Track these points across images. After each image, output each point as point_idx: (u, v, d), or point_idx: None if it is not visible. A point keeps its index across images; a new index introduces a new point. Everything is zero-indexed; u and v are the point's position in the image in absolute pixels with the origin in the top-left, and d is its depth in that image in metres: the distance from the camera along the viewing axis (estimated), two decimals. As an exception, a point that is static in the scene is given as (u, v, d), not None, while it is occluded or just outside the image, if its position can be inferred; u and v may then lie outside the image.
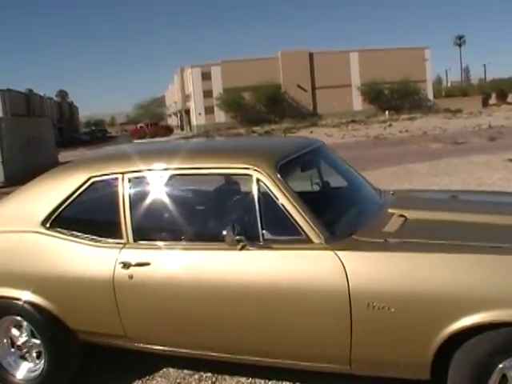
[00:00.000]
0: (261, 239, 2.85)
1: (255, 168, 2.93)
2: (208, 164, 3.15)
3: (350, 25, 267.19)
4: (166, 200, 3.21)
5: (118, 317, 3.13)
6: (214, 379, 3.61)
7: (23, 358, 3.53)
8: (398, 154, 16.55)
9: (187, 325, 3.04)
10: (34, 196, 3.48)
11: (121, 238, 3.17)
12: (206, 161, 3.21)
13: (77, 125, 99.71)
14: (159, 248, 3.10)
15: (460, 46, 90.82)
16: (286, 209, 2.82)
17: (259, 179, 2.91)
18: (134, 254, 3.08)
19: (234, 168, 3.06)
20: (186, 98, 65.81)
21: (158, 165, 3.23)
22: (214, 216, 3.54)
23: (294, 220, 2.80)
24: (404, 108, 55.93)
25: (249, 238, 2.83)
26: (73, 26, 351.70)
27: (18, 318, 3.40)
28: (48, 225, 3.30)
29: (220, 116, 58.82)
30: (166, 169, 3.20)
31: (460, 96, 68.52)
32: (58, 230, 3.28)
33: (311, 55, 60.30)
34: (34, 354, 3.49)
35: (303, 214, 2.79)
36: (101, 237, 3.20)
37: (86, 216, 3.56)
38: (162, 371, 3.76)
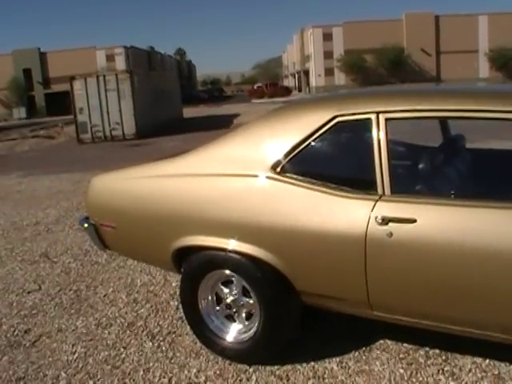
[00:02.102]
0: None
1: None
2: (497, 107, 2.48)
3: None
4: (435, 147, 2.65)
5: (363, 280, 2.68)
6: (443, 357, 3.13)
7: (230, 317, 3.21)
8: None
9: (449, 295, 2.54)
10: (262, 137, 3.03)
11: (374, 189, 2.67)
12: (493, 103, 2.56)
13: (195, 83, 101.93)
14: (427, 203, 2.57)
15: None
16: None
17: None
18: (394, 209, 2.58)
19: None
20: (305, 58, 65.02)
21: (428, 105, 2.64)
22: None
23: None
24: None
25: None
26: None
27: (230, 273, 3.05)
28: (279, 169, 2.86)
29: (340, 78, 57.66)
30: (437, 110, 2.63)
31: None
32: (292, 175, 2.83)
33: (437, 18, 58.10)
34: (244, 315, 3.16)
35: None
36: (345, 186, 2.73)
37: (327, 162, 3.10)
38: (378, 343, 3.33)
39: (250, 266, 2.93)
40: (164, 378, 3.09)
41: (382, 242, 2.57)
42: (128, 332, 3.66)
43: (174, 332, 3.62)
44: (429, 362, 3.11)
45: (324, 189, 2.74)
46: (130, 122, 20.33)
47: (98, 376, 3.14)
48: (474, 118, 2.51)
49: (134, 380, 3.08)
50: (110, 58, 60.13)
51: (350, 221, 2.65)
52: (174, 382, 3.05)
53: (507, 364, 3.04)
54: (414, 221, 2.51)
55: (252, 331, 3.08)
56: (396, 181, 2.64)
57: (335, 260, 2.72)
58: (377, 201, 2.62)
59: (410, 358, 3.17)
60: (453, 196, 2.69)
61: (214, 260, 3.04)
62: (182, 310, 3.83)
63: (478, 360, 3.10)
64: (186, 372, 3.13)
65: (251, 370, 3.12)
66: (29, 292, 4.56)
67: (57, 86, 56.17)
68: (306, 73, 65.00)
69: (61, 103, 49.15)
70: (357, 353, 3.25)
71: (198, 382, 3.04)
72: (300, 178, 2.82)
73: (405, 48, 56.44)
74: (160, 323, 3.77)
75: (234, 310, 3.15)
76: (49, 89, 60.49)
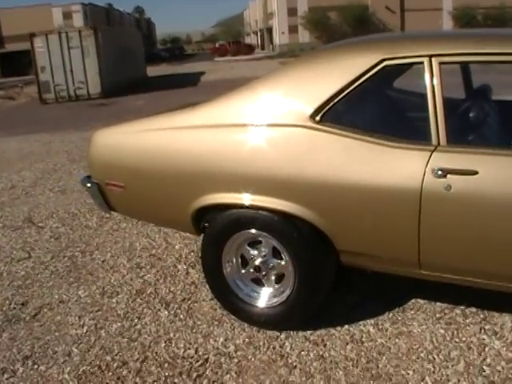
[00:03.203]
0: None
1: None
2: None
3: None
4: (492, 95, 2.40)
5: (415, 237, 2.44)
6: (481, 316, 2.97)
7: (258, 281, 2.96)
8: None
9: (497, 251, 2.34)
10: (297, 82, 2.70)
11: (428, 139, 2.41)
12: None
13: (154, 42, 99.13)
14: (487, 154, 2.33)
15: None
16: None
17: None
18: (452, 160, 2.33)
19: None
20: (268, 16, 63.73)
21: (487, 48, 2.36)
22: None
23: None
24: (501, 34, 51.90)
25: None
26: None
27: (259, 232, 2.77)
28: (319, 118, 2.57)
29: (304, 36, 56.75)
30: (498, 54, 2.36)
31: None
32: (334, 124, 2.54)
33: (402, -25, 56.71)
34: (273, 278, 2.91)
35: None
36: (396, 136, 2.46)
37: (374, 109, 2.82)
38: (410, 303, 3.15)
39: (284, 224, 2.66)
40: (189, 349, 2.84)
41: (439, 196, 2.34)
42: (138, 300, 3.38)
43: (189, 298, 3.36)
44: (468, 321, 2.95)
45: (371, 139, 2.47)
46: (94, 80, 19.50)
47: (115, 350, 2.86)
48: None
49: (156, 353, 2.81)
50: (67, 15, 57.54)
51: (402, 173, 2.40)
52: (200, 352, 2.80)
53: (548, 321, 2.90)
54: (476, 173, 2.28)
55: (284, 295, 2.84)
56: (451, 130, 2.39)
57: (384, 216, 2.47)
58: (432, 151, 2.37)
59: (447, 317, 3.00)
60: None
61: (241, 219, 2.76)
62: (192, 275, 3.60)
63: (515, 318, 2.95)
64: (212, 342, 2.88)
65: (283, 336, 2.89)
66: (18, 260, 4.20)
67: (11, 45, 53.60)
68: (270, 30, 63.85)
69: (17, 63, 47.05)
70: (391, 314, 3.06)
71: (227, 351, 2.80)
72: (342, 127, 2.54)
73: (369, 5, 55.85)
74: (172, 289, 3.49)
75: (264, 273, 2.90)
76: (3, 48, 57.75)
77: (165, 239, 4.39)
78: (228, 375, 2.61)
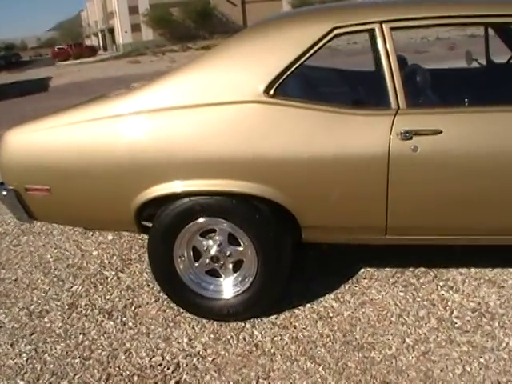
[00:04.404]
0: None
1: None
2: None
3: None
4: (444, 59, 2.49)
5: (383, 202, 2.42)
6: (432, 274, 3.07)
7: (213, 272, 2.78)
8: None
9: (475, 204, 2.43)
10: (246, 57, 2.53)
11: (387, 104, 2.41)
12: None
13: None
14: (447, 113, 2.38)
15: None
16: None
17: None
18: (416, 122, 2.35)
19: None
20: (109, 15, 61.67)
21: (435, 12, 2.43)
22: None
23: None
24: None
25: None
26: None
27: (212, 220, 2.59)
28: (273, 92, 2.43)
29: (148, 34, 55.86)
30: (447, 17, 2.42)
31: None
32: (289, 97, 2.44)
33: (239, -33, 57.94)
34: (230, 266, 2.74)
35: None
36: (355, 103, 2.44)
37: (327, 78, 2.74)
38: (360, 272, 3.17)
39: (244, 207, 2.51)
40: (154, 356, 2.58)
41: (406, 158, 2.35)
42: (74, 315, 3.01)
43: (132, 304, 3.06)
44: (421, 281, 3.04)
45: (331, 108, 2.41)
46: None
47: (70, 374, 2.51)
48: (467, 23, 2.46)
49: (119, 367, 2.51)
50: None
51: (368, 140, 2.36)
52: (168, 358, 2.55)
53: (490, 269, 3.08)
54: (440, 132, 2.32)
55: (247, 282, 2.69)
56: (409, 94, 2.41)
57: (352, 185, 2.43)
58: (395, 115, 2.37)
59: (401, 280, 3.06)
60: (467, 104, 2.55)
61: (195, 207, 2.55)
62: (124, 279, 3.33)
63: (463, 270, 3.10)
64: (175, 344, 2.65)
65: (248, 325, 2.75)
66: None
67: None
68: (111, 30, 61.88)
69: None
70: (347, 286, 3.05)
71: (196, 351, 2.58)
72: (299, 99, 2.45)
73: (210, -1, 56.46)
74: (108, 298, 3.17)
75: (222, 263, 2.72)
76: None
77: (78, 247, 3.99)
78: (208, 376, 2.41)
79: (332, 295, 2.96)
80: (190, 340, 2.66)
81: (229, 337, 2.67)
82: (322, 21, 2.50)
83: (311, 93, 2.55)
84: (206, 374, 2.41)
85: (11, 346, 2.78)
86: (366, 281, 3.08)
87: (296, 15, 2.85)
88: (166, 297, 3.00)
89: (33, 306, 3.16)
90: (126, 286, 3.27)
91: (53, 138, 2.68)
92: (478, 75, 3.56)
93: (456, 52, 17.65)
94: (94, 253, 3.85)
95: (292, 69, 2.45)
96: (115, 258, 3.71)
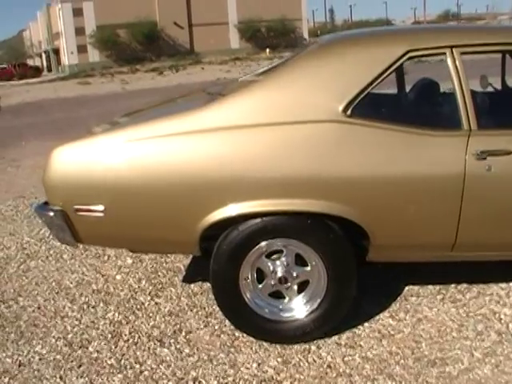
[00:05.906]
0: None
1: None
2: None
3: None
4: None
5: (455, 220, 2.48)
6: (476, 290, 3.12)
7: (277, 294, 2.72)
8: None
9: None
10: (322, 77, 2.54)
11: (459, 125, 2.49)
12: None
13: None
14: None
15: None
16: None
17: None
18: (489, 143, 2.45)
19: None
20: (54, 36, 60.56)
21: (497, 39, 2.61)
22: None
23: None
24: (281, 46, 56.21)
25: None
26: None
27: (284, 240, 2.56)
28: (350, 112, 2.46)
29: (94, 55, 55.22)
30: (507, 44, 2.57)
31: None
32: (366, 117, 2.47)
33: (187, -10, 58.32)
34: (295, 287, 2.70)
35: None
36: (429, 125, 2.50)
37: (402, 99, 2.79)
38: (405, 290, 3.19)
39: (319, 226, 2.50)
40: (228, 383, 2.49)
41: (481, 177, 2.43)
42: (122, 343, 2.88)
43: (180, 330, 2.96)
44: (468, 297, 3.08)
45: (409, 129, 2.46)
46: None
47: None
48: None
49: (192, 396, 2.42)
50: None
51: (444, 160, 2.44)
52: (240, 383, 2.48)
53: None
54: (510, 152, 2.42)
55: (315, 302, 2.66)
56: (480, 116, 2.50)
57: (428, 203, 2.48)
58: (469, 136, 2.45)
59: (448, 296, 3.10)
60: None
61: (267, 227, 2.51)
62: (163, 304, 3.22)
63: (503, 285, 3.17)
64: (244, 370, 2.57)
65: (314, 347, 2.70)
66: None
67: None
68: (57, 51, 60.85)
69: None
70: (397, 304, 3.07)
71: (270, 376, 2.52)
72: (375, 119, 2.48)
73: (158, 21, 56.36)
74: (152, 324, 3.04)
75: (287, 285, 2.67)
76: None
77: (97, 271, 3.84)
78: (291, 400, 2.35)
79: (386, 313, 2.96)
80: (258, 365, 2.59)
81: (297, 359, 2.61)
82: (397, 43, 2.56)
83: (385, 113, 2.60)
84: (286, 398, 2.35)
85: (60, 379, 2.62)
86: (413, 298, 3.10)
87: (369, 36, 2.90)
88: (215, 321, 2.93)
89: (70, 336, 2.99)
90: (168, 312, 3.16)
91: (111, 154, 2.58)
92: None
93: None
94: (118, 277, 3.71)
95: (369, 89, 2.48)
96: (144, 282, 3.58)
